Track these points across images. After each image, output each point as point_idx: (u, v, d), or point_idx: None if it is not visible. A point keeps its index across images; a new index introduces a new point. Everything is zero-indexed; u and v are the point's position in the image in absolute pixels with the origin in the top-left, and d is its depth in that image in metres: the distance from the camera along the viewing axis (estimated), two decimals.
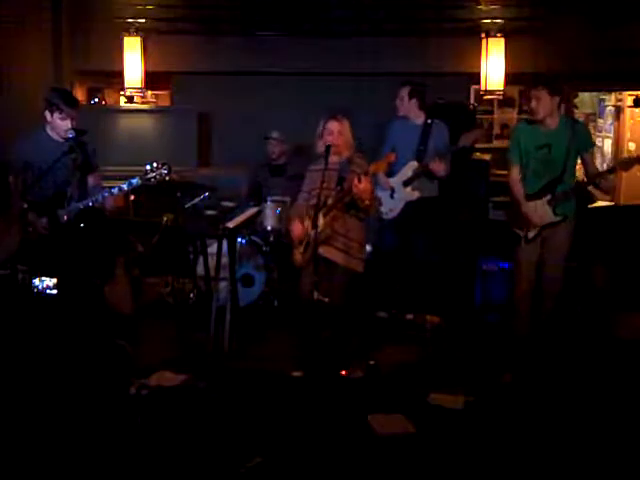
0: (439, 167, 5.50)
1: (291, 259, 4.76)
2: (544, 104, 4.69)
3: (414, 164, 5.61)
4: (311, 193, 4.70)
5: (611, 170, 5.02)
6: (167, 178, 4.52)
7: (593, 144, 5.20)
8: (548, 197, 4.82)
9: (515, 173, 4.92)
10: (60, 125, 4.59)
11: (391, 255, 5.85)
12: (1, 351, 1.43)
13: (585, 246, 5.74)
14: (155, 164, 4.49)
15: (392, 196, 5.69)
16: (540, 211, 4.84)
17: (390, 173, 5.66)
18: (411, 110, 5.70)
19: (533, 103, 4.71)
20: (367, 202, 4.48)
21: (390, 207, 5.72)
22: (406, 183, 5.64)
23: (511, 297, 5.12)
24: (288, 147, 6.36)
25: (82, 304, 1.59)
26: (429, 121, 5.67)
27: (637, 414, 4.02)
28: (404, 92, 5.71)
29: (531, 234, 4.88)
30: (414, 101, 5.69)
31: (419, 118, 5.69)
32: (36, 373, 1.46)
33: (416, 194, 5.64)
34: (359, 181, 4.32)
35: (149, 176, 4.47)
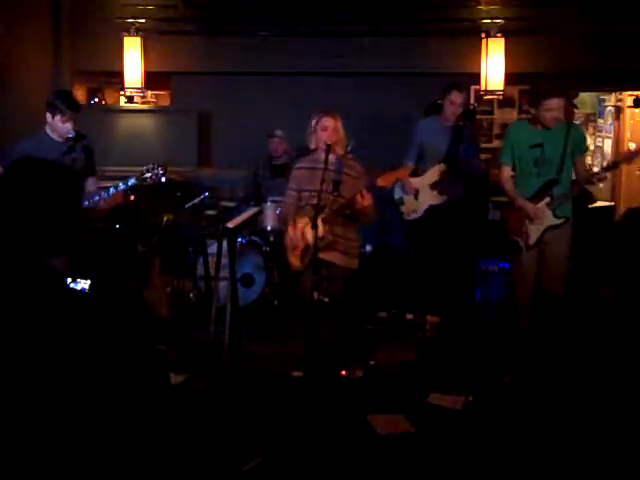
0: (479, 166, 5.52)
1: (287, 263, 4.68)
2: (560, 111, 4.67)
3: (442, 167, 5.52)
4: (301, 193, 4.63)
5: (608, 168, 5.11)
6: (163, 179, 4.52)
7: (587, 149, 5.16)
8: (547, 200, 4.74)
9: (506, 172, 4.87)
10: (60, 127, 4.55)
11: (409, 256, 5.81)
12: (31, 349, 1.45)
13: (585, 245, 5.74)
14: (152, 165, 4.50)
15: (416, 197, 5.62)
16: (539, 214, 4.77)
17: (415, 173, 5.61)
18: (456, 115, 5.55)
19: (548, 114, 4.61)
20: (369, 216, 4.46)
21: (413, 208, 5.64)
22: (433, 186, 5.58)
23: (510, 298, 5.10)
24: (290, 146, 6.34)
25: (118, 307, 1.58)
26: (461, 123, 5.55)
27: (638, 414, 4.02)
28: (459, 98, 5.51)
29: (532, 240, 4.78)
30: (462, 108, 5.56)
31: (452, 120, 5.58)
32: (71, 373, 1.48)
33: (443, 197, 5.56)
34: (362, 197, 4.23)
35: (145, 176, 4.48)
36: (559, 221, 4.72)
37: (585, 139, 5.14)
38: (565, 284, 4.88)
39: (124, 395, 1.64)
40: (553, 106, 4.59)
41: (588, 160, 8.57)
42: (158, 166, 4.49)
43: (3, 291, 1.63)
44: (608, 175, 4.94)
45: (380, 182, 4.37)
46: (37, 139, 4.62)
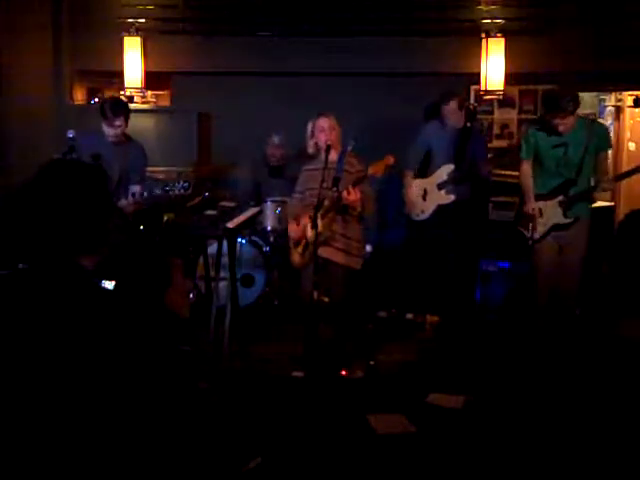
0: (486, 167, 5.57)
1: (289, 259, 4.79)
2: (570, 124, 4.68)
3: (450, 167, 5.58)
4: (305, 193, 4.72)
5: (622, 175, 5.09)
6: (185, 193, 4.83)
7: (610, 145, 5.12)
8: (560, 198, 4.78)
9: (526, 166, 4.92)
10: (106, 130, 4.99)
11: (411, 256, 5.85)
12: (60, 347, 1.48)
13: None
14: (178, 181, 4.84)
15: (424, 198, 5.66)
16: (549, 212, 4.80)
17: (423, 174, 5.68)
18: (460, 119, 5.67)
19: (561, 128, 4.67)
20: (358, 210, 4.51)
21: (422, 209, 5.69)
22: (440, 186, 5.61)
23: (511, 295, 5.14)
24: (288, 151, 6.31)
25: (142, 307, 1.63)
26: (468, 124, 5.64)
27: (638, 414, 4.02)
28: (454, 105, 5.65)
29: (537, 235, 4.82)
30: (462, 111, 5.67)
31: (460, 122, 5.68)
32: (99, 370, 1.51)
33: (451, 197, 5.61)
34: (348, 193, 4.34)
35: (170, 192, 4.81)
36: (567, 220, 4.76)
37: (608, 135, 5.10)
38: (579, 282, 4.92)
39: (144, 393, 1.67)
40: (565, 121, 4.66)
41: None
42: (184, 182, 4.79)
43: (32, 288, 1.66)
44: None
45: (371, 171, 4.42)
46: (99, 137, 5.01)
